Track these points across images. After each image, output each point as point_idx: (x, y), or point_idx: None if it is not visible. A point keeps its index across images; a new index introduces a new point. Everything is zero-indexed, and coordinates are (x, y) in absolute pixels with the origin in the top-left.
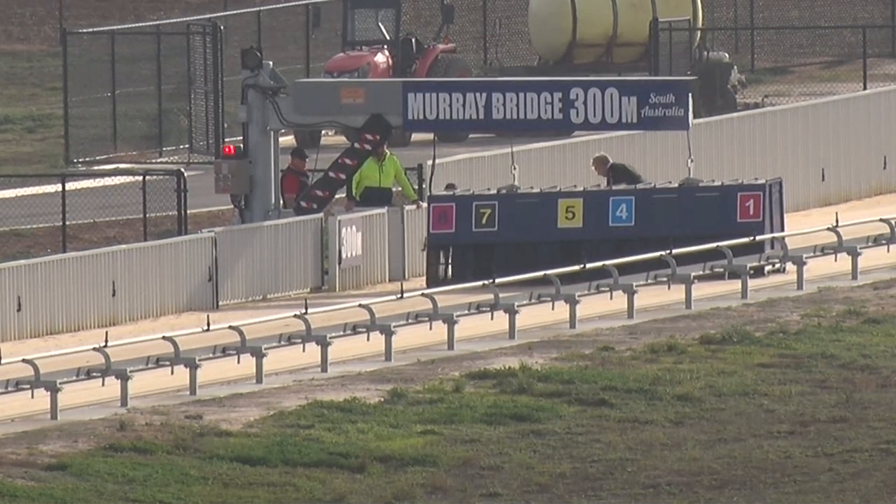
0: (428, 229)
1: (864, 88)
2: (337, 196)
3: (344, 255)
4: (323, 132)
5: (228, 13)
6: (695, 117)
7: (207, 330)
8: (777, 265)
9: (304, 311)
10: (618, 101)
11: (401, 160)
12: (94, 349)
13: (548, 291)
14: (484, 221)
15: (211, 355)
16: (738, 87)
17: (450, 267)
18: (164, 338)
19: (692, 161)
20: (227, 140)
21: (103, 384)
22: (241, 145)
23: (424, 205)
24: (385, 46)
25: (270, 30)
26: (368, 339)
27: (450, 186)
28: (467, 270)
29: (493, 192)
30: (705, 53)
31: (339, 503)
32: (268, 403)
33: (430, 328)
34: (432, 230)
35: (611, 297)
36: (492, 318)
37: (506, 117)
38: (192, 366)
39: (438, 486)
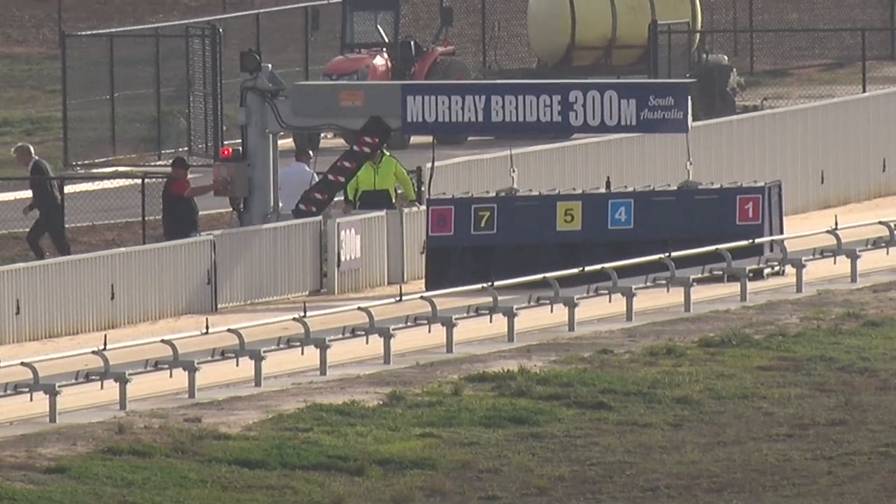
0: (427, 232)
1: (864, 91)
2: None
3: (343, 258)
4: (322, 135)
5: (227, 16)
6: (694, 120)
7: (206, 333)
8: (776, 268)
9: (302, 313)
10: (617, 104)
11: (400, 163)
12: (93, 352)
13: (546, 294)
14: (483, 224)
15: (210, 358)
16: (737, 89)
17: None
18: (162, 341)
19: (691, 164)
20: (225, 143)
21: (102, 387)
22: (240, 148)
23: (423, 207)
24: (384, 49)
25: (269, 32)
26: (367, 342)
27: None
28: (466, 273)
29: (492, 194)
30: (704, 56)
31: None
32: (266, 406)
33: (429, 331)
34: (431, 233)
35: (609, 300)
36: (490, 321)
37: (505, 120)
38: (191, 369)
39: (437, 489)
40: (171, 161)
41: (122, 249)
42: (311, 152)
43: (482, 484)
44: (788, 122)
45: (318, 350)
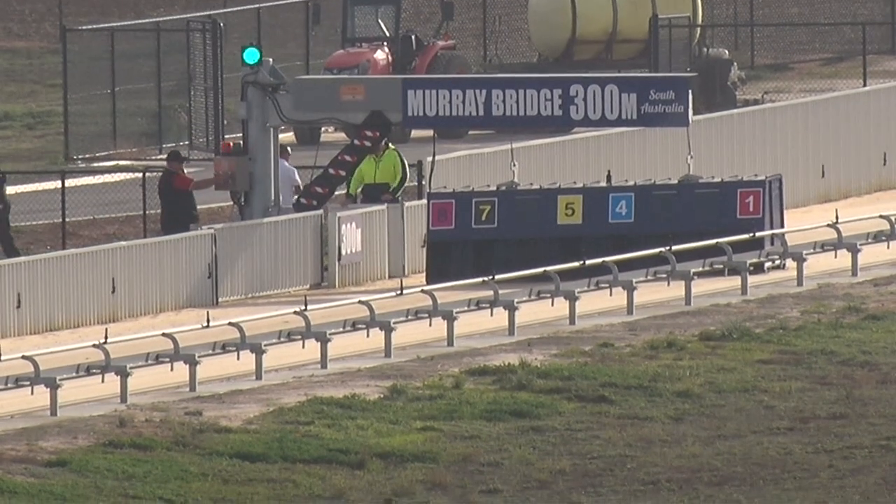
0: (428, 226)
1: (864, 85)
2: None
3: (343, 252)
4: (323, 129)
5: (228, 10)
6: (694, 114)
7: (207, 326)
8: (777, 262)
9: (303, 307)
10: (617, 98)
11: (402, 156)
12: (94, 346)
13: (547, 288)
14: (484, 218)
15: (210, 352)
16: (737, 83)
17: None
18: (163, 334)
19: (692, 157)
20: (226, 137)
21: (103, 381)
22: (241, 142)
23: (420, 204)
24: (385, 43)
25: (270, 26)
26: (368, 336)
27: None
28: (467, 267)
29: (493, 188)
30: (705, 50)
31: (338, 500)
32: (267, 400)
33: (430, 325)
34: (432, 227)
35: (610, 294)
36: (491, 315)
37: (505, 114)
38: (192, 362)
39: (438, 482)
40: (167, 155)
41: (123, 243)
42: (289, 149)
43: (483, 477)
44: (789, 116)
45: (318, 343)
